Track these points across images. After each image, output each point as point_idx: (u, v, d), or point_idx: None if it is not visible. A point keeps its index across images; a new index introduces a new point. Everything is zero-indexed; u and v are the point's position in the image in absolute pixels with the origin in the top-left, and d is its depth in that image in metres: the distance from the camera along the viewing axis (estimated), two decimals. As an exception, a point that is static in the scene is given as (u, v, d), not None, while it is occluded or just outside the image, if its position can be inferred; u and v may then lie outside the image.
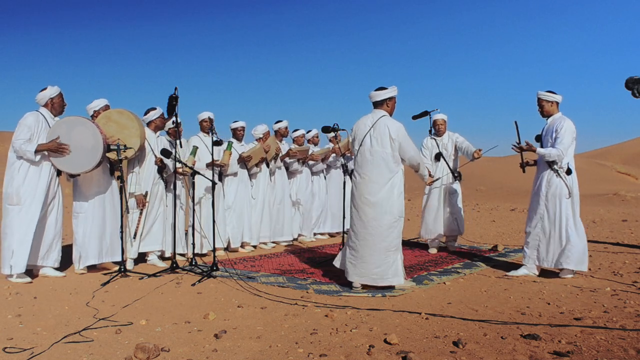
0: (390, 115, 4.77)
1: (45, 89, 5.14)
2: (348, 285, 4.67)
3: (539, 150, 5.02)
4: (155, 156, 5.63)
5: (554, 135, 4.99)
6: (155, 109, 5.79)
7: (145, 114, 5.77)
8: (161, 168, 5.69)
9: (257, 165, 6.90)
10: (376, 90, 4.75)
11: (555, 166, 4.99)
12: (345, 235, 6.83)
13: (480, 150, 6.46)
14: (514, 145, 5.21)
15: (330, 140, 8.05)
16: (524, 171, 5.48)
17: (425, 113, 6.87)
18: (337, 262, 4.92)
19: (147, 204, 5.59)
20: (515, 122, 5.22)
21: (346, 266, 4.71)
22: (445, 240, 6.87)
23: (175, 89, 5.18)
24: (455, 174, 6.68)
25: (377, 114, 4.70)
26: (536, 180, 5.18)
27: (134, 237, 5.48)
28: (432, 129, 6.78)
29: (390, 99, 4.75)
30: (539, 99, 5.17)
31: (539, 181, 5.12)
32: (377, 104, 4.76)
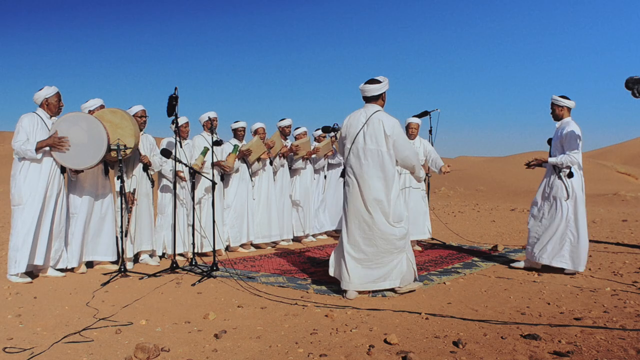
0: (382, 109, 4.47)
1: (42, 89, 5.14)
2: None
3: (550, 160, 5.30)
4: (140, 154, 5.64)
5: (559, 140, 5.27)
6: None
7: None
8: (146, 166, 5.70)
9: (258, 160, 6.84)
10: (368, 83, 4.41)
11: (557, 169, 5.28)
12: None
13: (449, 166, 6.71)
14: (528, 164, 5.61)
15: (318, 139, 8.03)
16: (531, 168, 5.72)
17: (425, 113, 6.88)
18: (332, 271, 4.61)
19: (135, 201, 5.60)
20: (528, 163, 5.70)
21: (342, 274, 4.41)
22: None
23: (175, 89, 5.17)
24: (425, 178, 6.76)
25: (371, 109, 4.39)
26: (542, 182, 5.50)
27: (126, 235, 5.48)
28: (406, 131, 6.83)
29: (382, 93, 4.44)
30: (552, 102, 5.42)
31: (544, 183, 5.45)
32: (371, 99, 4.43)
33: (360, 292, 4.38)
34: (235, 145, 6.46)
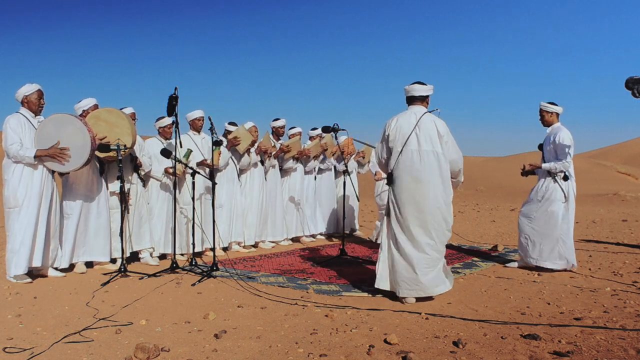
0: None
1: (23, 86, 5.03)
2: (348, 285, 4.63)
3: (544, 166, 5.39)
4: (132, 155, 5.63)
5: (551, 145, 5.38)
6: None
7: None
8: (137, 166, 5.70)
9: (248, 153, 6.67)
10: (417, 84, 4.33)
11: (552, 173, 5.37)
12: (341, 238, 6.83)
13: None
14: (523, 171, 5.71)
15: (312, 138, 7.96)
16: (525, 176, 5.83)
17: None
18: (382, 284, 4.27)
19: (130, 200, 5.60)
20: (523, 170, 5.74)
21: (399, 284, 4.13)
22: None
23: (175, 88, 5.16)
24: None
25: (420, 110, 4.29)
26: (536, 185, 5.57)
27: (120, 235, 5.44)
28: None
29: (428, 95, 4.38)
30: (540, 109, 5.51)
31: (538, 186, 5.52)
32: (417, 100, 4.33)
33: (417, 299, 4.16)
34: (216, 141, 5.86)
